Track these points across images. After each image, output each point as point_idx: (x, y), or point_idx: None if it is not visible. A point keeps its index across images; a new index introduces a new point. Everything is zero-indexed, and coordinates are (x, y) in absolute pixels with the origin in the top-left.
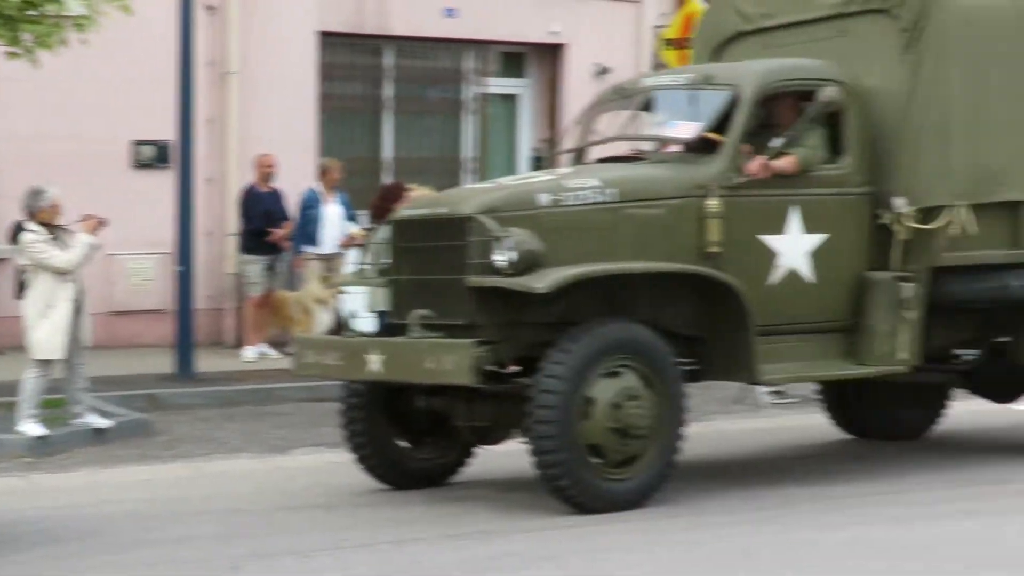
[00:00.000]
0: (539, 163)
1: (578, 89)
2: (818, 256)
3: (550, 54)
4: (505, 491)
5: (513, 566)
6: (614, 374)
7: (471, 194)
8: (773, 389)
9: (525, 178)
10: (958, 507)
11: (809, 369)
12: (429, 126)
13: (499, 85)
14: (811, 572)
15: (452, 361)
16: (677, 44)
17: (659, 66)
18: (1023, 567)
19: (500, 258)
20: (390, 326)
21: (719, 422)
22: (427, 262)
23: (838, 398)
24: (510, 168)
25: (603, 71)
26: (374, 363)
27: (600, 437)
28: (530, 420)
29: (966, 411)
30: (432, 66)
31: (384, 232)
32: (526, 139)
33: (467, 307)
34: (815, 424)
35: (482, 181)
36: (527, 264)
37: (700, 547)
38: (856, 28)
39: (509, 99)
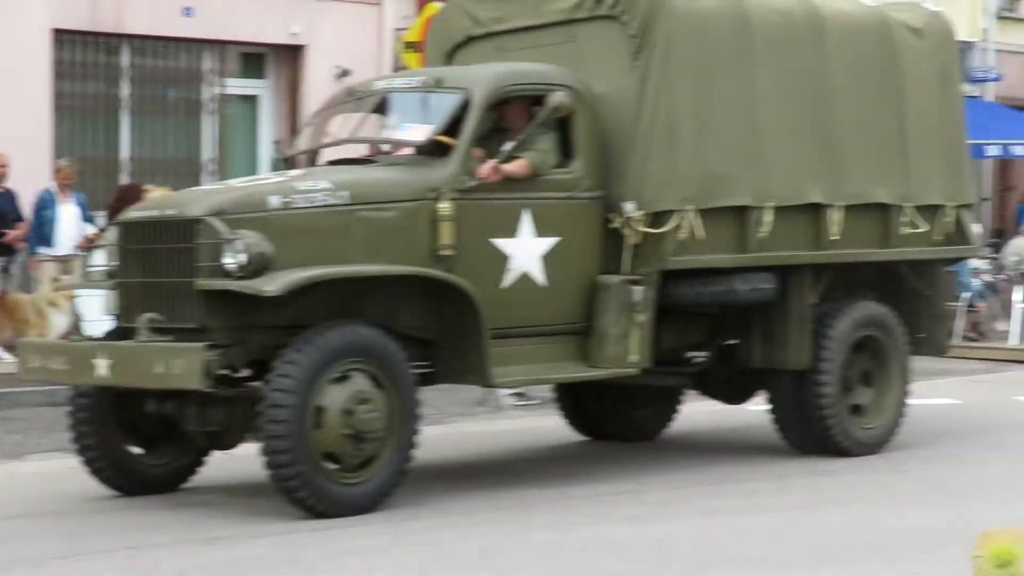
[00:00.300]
0: (280, 164)
1: (319, 91)
2: (550, 260)
3: (291, 55)
4: (245, 495)
5: (257, 570)
6: (344, 378)
7: (200, 196)
8: (515, 391)
9: (255, 180)
10: (693, 506)
11: (542, 372)
12: (168, 126)
13: (239, 86)
14: (550, 571)
15: (181, 365)
16: (418, 47)
17: (399, 69)
18: (755, 564)
19: (230, 261)
20: (119, 330)
21: (462, 424)
22: (156, 264)
23: (573, 400)
24: (251, 169)
25: (344, 73)
26: (101, 368)
27: (334, 444)
28: (261, 432)
29: (699, 412)
30: (170, 66)
31: (113, 233)
32: (266, 140)
33: (197, 310)
34: (556, 426)
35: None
36: (257, 267)
37: (441, 548)
38: (586, 34)
39: (249, 100)
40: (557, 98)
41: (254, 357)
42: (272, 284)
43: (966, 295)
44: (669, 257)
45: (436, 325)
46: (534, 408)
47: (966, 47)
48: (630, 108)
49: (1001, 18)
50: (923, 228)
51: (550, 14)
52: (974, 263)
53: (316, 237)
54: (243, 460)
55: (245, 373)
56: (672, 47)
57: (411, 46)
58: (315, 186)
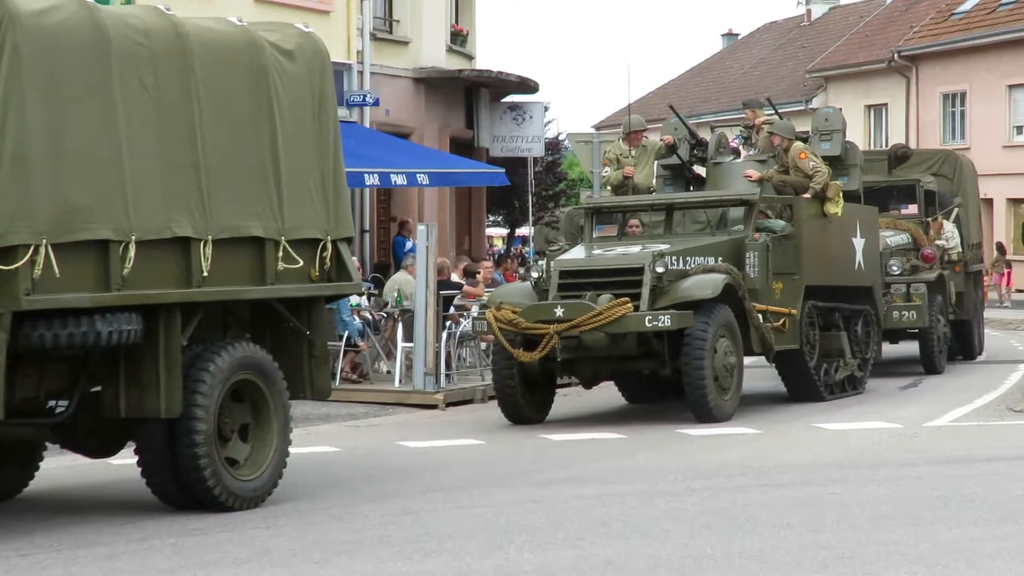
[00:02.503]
0: None
1: None
2: None
3: None
4: None
5: None
6: None
7: None
8: None
9: None
10: (45, 574)
11: None
12: None
13: None
14: None
15: None
16: None
17: None
18: None
19: None
20: None
21: None
22: None
23: None
24: None
25: None
26: None
27: None
28: None
29: (61, 467)
30: None
31: None
32: None
33: None
34: None
35: None
36: None
37: None
38: None
39: None
40: None
41: None
42: None
43: (346, 333)
44: (23, 297)
45: None
46: None
47: (341, 69)
48: None
49: (377, 39)
50: (300, 264)
51: None
52: (355, 300)
53: None
54: None
55: None
56: (20, 65)
57: None
58: None
